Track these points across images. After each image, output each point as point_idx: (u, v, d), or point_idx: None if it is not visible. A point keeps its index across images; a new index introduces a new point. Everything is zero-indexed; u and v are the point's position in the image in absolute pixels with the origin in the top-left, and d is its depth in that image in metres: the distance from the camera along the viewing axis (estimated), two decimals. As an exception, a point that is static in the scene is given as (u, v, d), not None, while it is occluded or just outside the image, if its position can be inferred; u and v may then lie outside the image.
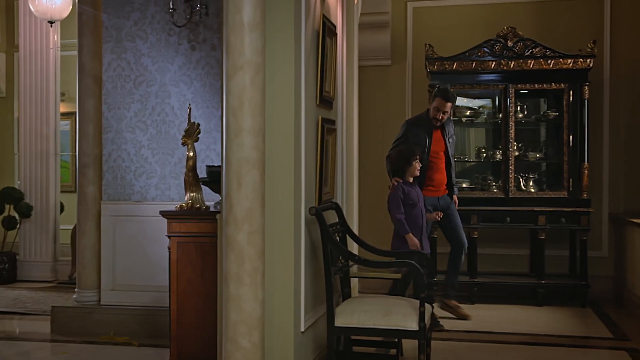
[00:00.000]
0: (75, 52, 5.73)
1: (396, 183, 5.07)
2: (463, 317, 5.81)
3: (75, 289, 5.72)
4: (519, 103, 6.71)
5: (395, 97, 7.38)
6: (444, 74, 6.59)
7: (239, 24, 3.30)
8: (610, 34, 6.85)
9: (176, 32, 5.25)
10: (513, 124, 6.57)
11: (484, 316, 5.96)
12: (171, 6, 5.02)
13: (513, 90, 6.55)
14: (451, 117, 6.04)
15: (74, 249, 7.64)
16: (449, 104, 5.59)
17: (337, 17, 4.66)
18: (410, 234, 4.96)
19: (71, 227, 7.79)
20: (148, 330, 5.31)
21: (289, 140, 3.62)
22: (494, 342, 5.22)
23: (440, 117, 5.59)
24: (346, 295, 4.25)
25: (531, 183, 6.67)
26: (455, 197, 5.90)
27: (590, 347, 5.15)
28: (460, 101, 6.89)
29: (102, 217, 5.47)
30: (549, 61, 6.42)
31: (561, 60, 6.41)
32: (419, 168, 5.10)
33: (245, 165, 3.34)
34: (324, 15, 4.09)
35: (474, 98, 7.02)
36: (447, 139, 5.73)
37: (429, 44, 6.58)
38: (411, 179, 5.10)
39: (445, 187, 5.80)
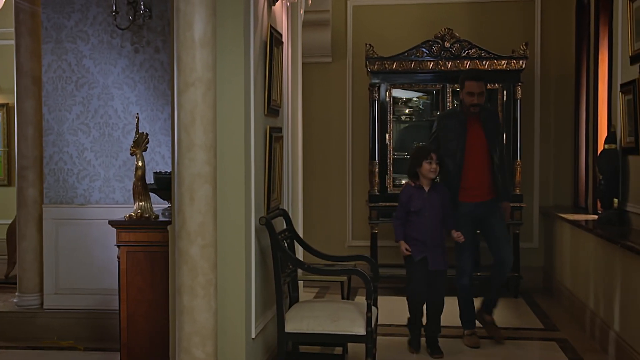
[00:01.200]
0: (5, 42, 5.59)
1: (412, 184, 4.77)
2: (497, 337, 5.18)
3: (16, 293, 5.63)
4: (455, 102, 6.94)
5: (336, 94, 7.50)
6: (384, 73, 6.75)
7: (189, 40, 3.33)
8: (540, 36, 7.16)
9: (119, 34, 5.21)
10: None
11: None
12: (114, 8, 4.97)
13: (450, 89, 6.76)
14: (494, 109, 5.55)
15: (9, 247, 7.46)
16: (481, 83, 4.98)
17: (283, 25, 4.73)
18: (402, 241, 4.73)
19: (3, 221, 7.62)
20: (93, 333, 5.30)
21: (239, 153, 3.69)
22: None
23: (477, 102, 4.94)
24: (294, 299, 4.36)
25: (467, 179, 6.93)
26: (506, 204, 5.13)
27: (523, 338, 5.43)
28: (399, 98, 7.08)
29: (44, 220, 5.41)
30: (484, 62, 6.66)
31: (495, 61, 6.66)
32: (432, 170, 4.65)
33: (198, 180, 3.38)
34: (271, 26, 4.15)
35: (413, 97, 7.20)
36: (486, 132, 5.01)
37: (370, 44, 6.72)
38: (426, 182, 4.70)
39: (490, 191, 5.04)
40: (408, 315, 5.02)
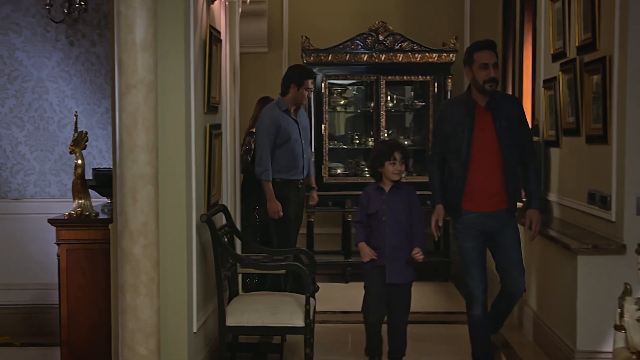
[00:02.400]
0: None
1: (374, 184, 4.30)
2: None
3: (-52, 289, 5.54)
4: (389, 93, 7.15)
5: (273, 84, 7.55)
6: (319, 65, 6.88)
7: (131, 43, 3.35)
8: (469, 30, 7.43)
9: (53, 27, 5.15)
10: (384, 112, 7.00)
11: (358, 295, 6.37)
12: (48, 1, 4.90)
13: (384, 81, 6.96)
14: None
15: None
16: (494, 53, 4.11)
17: (221, 23, 4.78)
18: (363, 243, 4.20)
19: None
20: (30, 328, 5.28)
21: (180, 153, 3.76)
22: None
23: (493, 75, 4.04)
24: (234, 292, 4.47)
25: (400, 168, 7.15)
26: (532, 212, 4.23)
27: (453, 322, 5.70)
28: (335, 89, 7.22)
29: (-23, 215, 5.33)
30: (416, 55, 6.88)
31: (427, 54, 6.89)
32: (396, 171, 4.13)
33: (140, 181, 3.43)
34: (210, 25, 4.20)
35: (349, 86, 7.36)
36: (497, 125, 4.07)
37: (305, 36, 6.82)
38: (388, 183, 4.21)
39: (500, 200, 4.14)
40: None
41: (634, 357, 3.00)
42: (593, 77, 4.56)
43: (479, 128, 4.06)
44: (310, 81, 5.47)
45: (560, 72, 5.14)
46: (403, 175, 4.26)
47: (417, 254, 4.22)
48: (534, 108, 6.01)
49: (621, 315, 3.04)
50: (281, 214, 5.25)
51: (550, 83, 5.40)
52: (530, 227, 4.24)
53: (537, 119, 5.77)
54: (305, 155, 5.48)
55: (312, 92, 6.81)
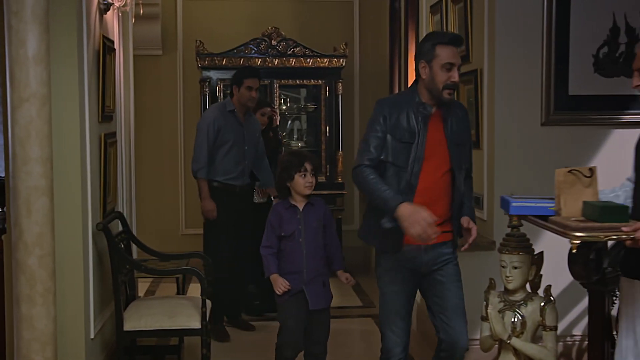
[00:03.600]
0: None
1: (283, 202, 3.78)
2: None
3: None
4: (282, 96, 7.38)
5: (167, 87, 7.65)
6: (214, 69, 7.01)
7: (23, 57, 3.38)
8: (359, 36, 7.78)
9: (-64, 31, 5.00)
10: (278, 116, 7.21)
11: (255, 294, 6.57)
12: None
13: (277, 85, 7.18)
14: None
15: None
16: (457, 52, 3.25)
17: (115, 32, 4.83)
18: (276, 275, 3.70)
19: None
20: None
21: (75, 164, 3.82)
22: (260, 320, 5.81)
23: (456, 80, 3.21)
24: (131, 297, 4.57)
25: (294, 169, 7.41)
26: (467, 220, 3.35)
27: (345, 316, 6.00)
28: (229, 92, 7.35)
29: None
30: (308, 60, 7.14)
31: (318, 59, 7.16)
32: (308, 184, 3.69)
33: (35, 193, 3.47)
34: (103, 35, 4.26)
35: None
36: (449, 134, 3.29)
37: (200, 40, 6.93)
38: (300, 199, 3.74)
39: (447, 229, 3.33)
40: None
41: (496, 344, 3.38)
42: (467, 87, 4.97)
43: (430, 136, 3.25)
44: (249, 80, 5.34)
45: (440, 81, 5.52)
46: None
47: (349, 280, 3.80)
48: (417, 112, 6.41)
49: (486, 307, 3.41)
50: (215, 214, 5.27)
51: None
52: (465, 234, 3.39)
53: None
54: (247, 161, 5.39)
55: (207, 95, 6.96)
